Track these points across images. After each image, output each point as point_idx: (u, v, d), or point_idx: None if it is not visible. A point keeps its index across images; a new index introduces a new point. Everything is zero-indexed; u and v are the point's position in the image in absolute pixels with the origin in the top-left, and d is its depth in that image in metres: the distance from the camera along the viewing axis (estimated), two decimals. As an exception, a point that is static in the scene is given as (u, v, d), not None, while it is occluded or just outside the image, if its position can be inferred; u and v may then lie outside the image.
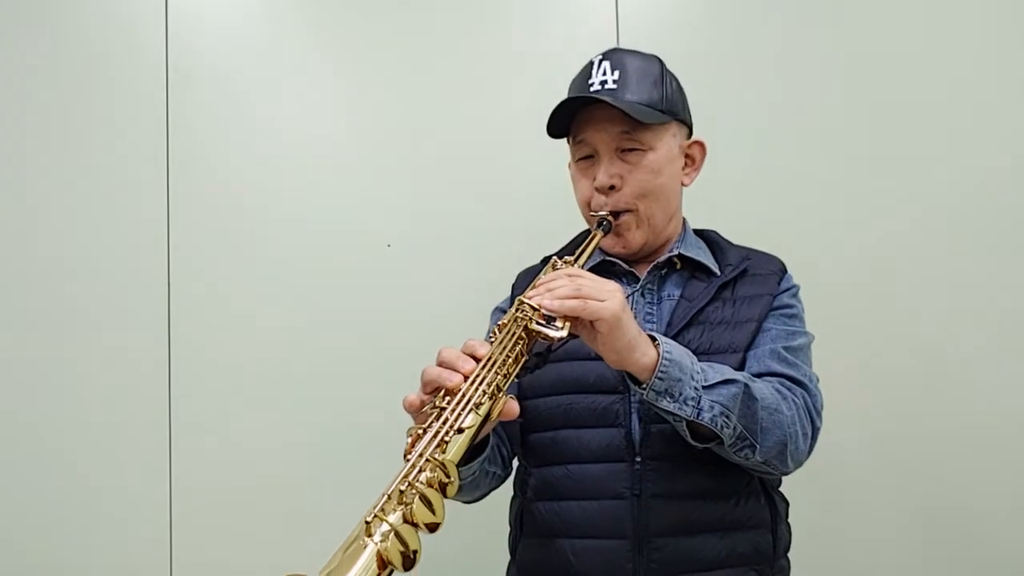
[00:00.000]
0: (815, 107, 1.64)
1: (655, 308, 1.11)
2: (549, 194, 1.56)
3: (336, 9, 1.69)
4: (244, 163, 1.67)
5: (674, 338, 1.02)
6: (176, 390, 1.63)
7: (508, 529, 1.17)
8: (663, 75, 1.11)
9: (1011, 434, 1.58)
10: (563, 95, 1.12)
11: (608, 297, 0.90)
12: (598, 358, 0.94)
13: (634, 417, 1.04)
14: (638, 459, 1.03)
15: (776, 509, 1.09)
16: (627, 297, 0.95)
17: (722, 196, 1.46)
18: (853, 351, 1.58)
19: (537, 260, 1.24)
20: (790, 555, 1.12)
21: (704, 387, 0.93)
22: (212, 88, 1.67)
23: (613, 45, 1.64)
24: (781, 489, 1.13)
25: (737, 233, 1.22)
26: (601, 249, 1.14)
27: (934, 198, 1.62)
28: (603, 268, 1.15)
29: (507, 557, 1.16)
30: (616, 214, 1.10)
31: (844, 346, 1.54)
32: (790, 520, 1.13)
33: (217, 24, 1.68)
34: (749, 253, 1.16)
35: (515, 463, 1.17)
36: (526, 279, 1.19)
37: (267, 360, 1.64)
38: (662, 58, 1.13)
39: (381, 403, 1.58)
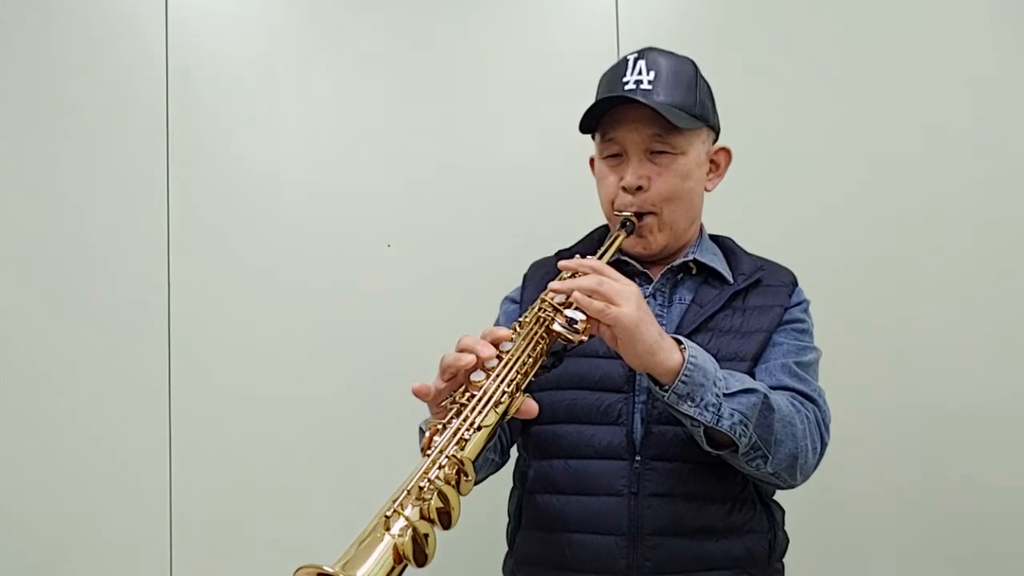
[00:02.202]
0: (816, 107, 1.64)
1: (666, 311, 1.11)
2: (549, 194, 1.59)
3: (336, 8, 1.67)
4: (244, 162, 1.66)
5: (682, 343, 1.02)
6: (176, 389, 1.62)
7: (507, 520, 1.17)
8: (696, 78, 1.10)
9: (1013, 441, 1.61)
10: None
11: (624, 303, 0.89)
12: (605, 356, 0.95)
13: (636, 417, 1.05)
14: (638, 458, 1.04)
15: (772, 515, 1.10)
16: None
17: (722, 197, 1.46)
18: (856, 356, 1.59)
19: (536, 260, 1.23)
20: (785, 560, 1.14)
21: (725, 394, 0.94)
22: (212, 87, 1.65)
23: (613, 45, 1.64)
24: (775, 498, 1.14)
25: (738, 234, 1.23)
26: (620, 248, 1.13)
27: (944, 202, 1.63)
28: (617, 267, 1.13)
29: (505, 548, 1.17)
30: (639, 215, 1.09)
31: (847, 352, 1.55)
32: (787, 528, 1.15)
33: (217, 23, 1.66)
34: (763, 263, 1.16)
35: (514, 452, 1.17)
36: (538, 270, 1.19)
37: (267, 359, 1.63)
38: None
39: (381, 401, 1.61)
